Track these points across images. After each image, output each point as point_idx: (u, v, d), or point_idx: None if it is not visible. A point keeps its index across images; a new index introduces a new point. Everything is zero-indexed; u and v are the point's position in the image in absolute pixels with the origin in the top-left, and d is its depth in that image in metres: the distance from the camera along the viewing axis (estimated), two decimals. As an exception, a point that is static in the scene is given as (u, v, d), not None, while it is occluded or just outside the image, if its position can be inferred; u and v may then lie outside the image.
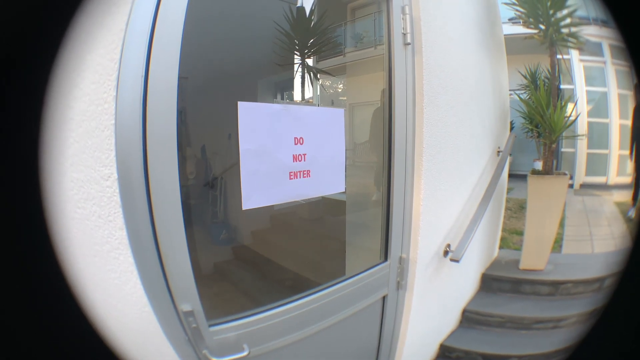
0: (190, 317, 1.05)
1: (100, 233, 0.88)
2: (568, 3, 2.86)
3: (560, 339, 2.23)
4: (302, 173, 1.33)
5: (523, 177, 2.98)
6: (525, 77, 2.95)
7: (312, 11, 1.97)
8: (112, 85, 0.88)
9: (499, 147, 2.70)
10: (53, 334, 0.42)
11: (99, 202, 0.87)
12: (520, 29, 3.01)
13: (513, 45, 2.98)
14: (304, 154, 1.32)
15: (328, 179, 1.42)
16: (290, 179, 1.30)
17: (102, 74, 0.86)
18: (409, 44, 1.62)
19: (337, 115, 1.46)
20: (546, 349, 2.14)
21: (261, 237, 2.40)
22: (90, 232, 0.86)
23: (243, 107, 1.18)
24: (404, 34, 1.61)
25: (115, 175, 0.90)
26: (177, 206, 1.01)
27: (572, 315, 2.39)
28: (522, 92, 3.01)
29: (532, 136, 2.84)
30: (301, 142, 1.31)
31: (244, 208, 1.22)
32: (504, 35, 2.95)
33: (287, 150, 1.29)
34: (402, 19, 1.60)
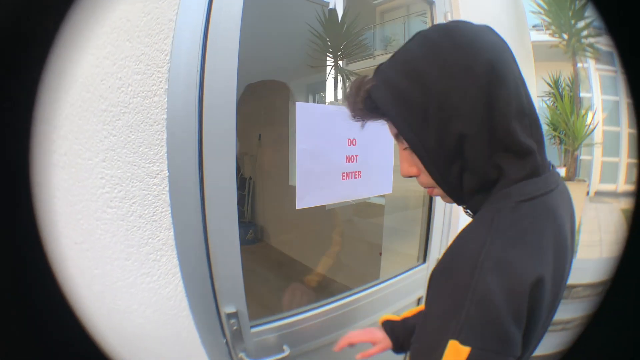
0: (233, 318, 1.01)
1: (139, 234, 0.80)
2: (586, 14, 2.89)
3: (568, 340, 2.26)
4: (354, 174, 1.34)
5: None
6: (549, 84, 2.97)
7: (344, 13, 1.98)
8: (163, 78, 0.81)
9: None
10: (56, 345, 0.37)
11: (142, 200, 0.80)
12: (542, 37, 3.04)
13: (536, 52, 3.00)
14: (356, 155, 1.34)
15: (377, 180, 1.44)
16: (342, 179, 1.31)
17: (149, 65, 0.79)
18: (451, 49, 1.63)
19: (387, 118, 1.47)
20: (552, 350, 2.17)
21: (288, 238, 2.40)
22: (124, 234, 0.78)
23: (300, 107, 1.18)
24: (447, 39, 1.62)
25: (166, 172, 0.83)
26: (233, 204, 0.99)
27: (580, 317, 2.42)
28: (546, 98, 3.03)
29: (554, 143, 2.86)
30: (354, 143, 1.32)
31: (297, 207, 1.22)
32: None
33: (341, 151, 1.30)
34: (445, 24, 1.61)
